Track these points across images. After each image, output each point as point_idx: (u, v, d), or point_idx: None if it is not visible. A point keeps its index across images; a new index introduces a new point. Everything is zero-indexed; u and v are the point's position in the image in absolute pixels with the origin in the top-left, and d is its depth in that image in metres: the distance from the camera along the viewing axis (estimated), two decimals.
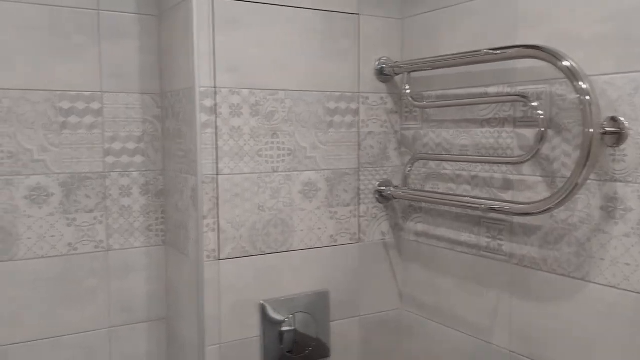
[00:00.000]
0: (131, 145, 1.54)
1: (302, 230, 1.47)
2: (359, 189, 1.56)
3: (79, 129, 1.47)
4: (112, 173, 1.52)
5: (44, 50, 1.42)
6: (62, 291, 1.48)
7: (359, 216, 1.57)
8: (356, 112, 1.54)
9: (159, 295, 1.60)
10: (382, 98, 1.58)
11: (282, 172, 1.44)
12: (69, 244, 1.48)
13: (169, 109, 1.51)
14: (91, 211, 1.50)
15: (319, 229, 1.50)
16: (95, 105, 1.49)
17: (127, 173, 1.54)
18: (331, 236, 1.52)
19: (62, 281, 1.47)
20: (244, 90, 1.37)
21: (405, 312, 1.64)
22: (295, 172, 1.46)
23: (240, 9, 1.36)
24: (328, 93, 1.49)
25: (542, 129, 1.16)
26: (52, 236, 1.46)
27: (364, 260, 1.58)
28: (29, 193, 1.42)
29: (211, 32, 1.33)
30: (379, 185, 1.59)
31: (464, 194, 1.41)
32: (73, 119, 1.46)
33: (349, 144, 1.53)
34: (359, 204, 1.57)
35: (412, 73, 1.52)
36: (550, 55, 1.08)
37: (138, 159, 1.55)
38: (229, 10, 1.34)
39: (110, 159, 1.51)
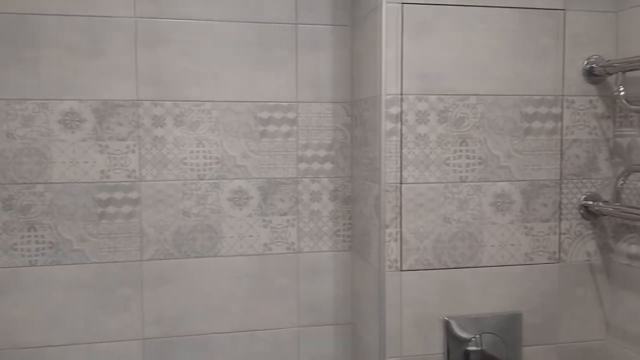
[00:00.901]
0: (322, 153, 1.59)
1: (492, 246, 1.38)
2: (560, 202, 1.41)
3: (276, 137, 1.56)
4: (303, 179, 1.58)
5: (250, 64, 1.54)
6: (258, 288, 1.58)
7: (560, 233, 1.41)
8: (559, 117, 1.39)
9: (344, 300, 1.62)
10: (591, 101, 1.41)
11: (471, 182, 1.36)
12: (265, 244, 1.57)
13: (357, 117, 1.53)
14: (285, 214, 1.58)
15: (512, 245, 1.39)
16: (291, 115, 1.56)
17: (317, 179, 1.59)
18: (526, 254, 1.40)
19: (258, 278, 1.58)
20: (431, 96, 1.33)
21: (613, 344, 1.43)
22: (487, 183, 1.37)
23: (430, 13, 1.31)
24: (526, 97, 1.37)
25: None
26: (251, 236, 1.57)
27: (564, 282, 1.42)
28: (231, 195, 1.55)
29: (399, 39, 1.31)
30: (585, 200, 1.42)
31: None
32: (271, 128, 1.56)
33: (549, 152, 1.39)
34: (560, 219, 1.41)
35: (628, 73, 1.32)
36: None
37: (328, 165, 1.59)
38: (418, 14, 1.31)
39: (302, 166, 1.58)
